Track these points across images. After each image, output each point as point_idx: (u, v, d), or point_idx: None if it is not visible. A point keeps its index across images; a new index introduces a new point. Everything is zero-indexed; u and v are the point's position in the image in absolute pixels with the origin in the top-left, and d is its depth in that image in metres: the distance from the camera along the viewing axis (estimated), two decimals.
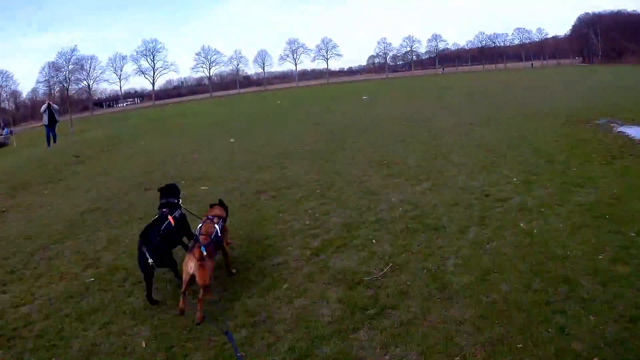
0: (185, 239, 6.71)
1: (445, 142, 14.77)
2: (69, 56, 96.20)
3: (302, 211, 8.82)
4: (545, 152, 11.97)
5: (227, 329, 4.64)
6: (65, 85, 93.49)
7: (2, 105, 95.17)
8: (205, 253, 5.26)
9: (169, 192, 6.77)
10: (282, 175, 12.20)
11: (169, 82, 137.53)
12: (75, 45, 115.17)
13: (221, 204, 6.74)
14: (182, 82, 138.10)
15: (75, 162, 19.33)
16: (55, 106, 26.26)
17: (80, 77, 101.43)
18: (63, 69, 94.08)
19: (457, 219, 7.55)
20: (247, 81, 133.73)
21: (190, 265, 5.22)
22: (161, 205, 6.56)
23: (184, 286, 5.32)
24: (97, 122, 60.57)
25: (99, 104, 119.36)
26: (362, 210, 8.51)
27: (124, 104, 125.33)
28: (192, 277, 5.21)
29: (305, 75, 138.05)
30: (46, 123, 25.49)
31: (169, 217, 6.18)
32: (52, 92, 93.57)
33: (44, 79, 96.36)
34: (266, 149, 16.80)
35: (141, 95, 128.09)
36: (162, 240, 5.82)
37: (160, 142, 23.65)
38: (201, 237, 5.60)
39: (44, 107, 25.46)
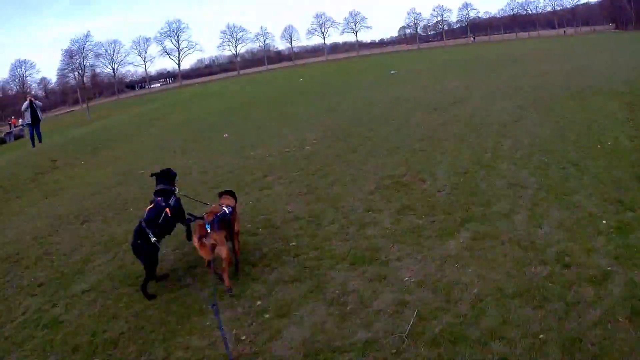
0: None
1: (487, 137, 11.01)
2: (83, 43, 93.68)
3: (235, 323, 5.13)
4: (628, 158, 8.44)
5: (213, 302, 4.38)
6: (80, 72, 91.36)
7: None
8: (209, 229, 5.32)
9: (164, 179, 6.52)
10: (256, 204, 8.67)
11: (200, 60, 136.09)
12: (88, 31, 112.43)
13: (230, 193, 6.56)
14: (213, 60, 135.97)
15: (48, 170, 16.81)
16: (38, 102, 23.19)
17: (95, 63, 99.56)
18: (77, 57, 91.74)
19: (522, 347, 3.88)
20: (279, 56, 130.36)
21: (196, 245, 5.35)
22: (156, 192, 6.35)
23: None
24: (118, 107, 58.79)
25: (131, 86, 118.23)
26: (345, 311, 4.82)
27: (157, 85, 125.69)
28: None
29: (336, 48, 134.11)
30: (29, 121, 22.44)
31: (167, 209, 6.07)
32: (76, 78, 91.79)
33: (64, 67, 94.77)
34: (257, 151, 13.27)
35: (173, 76, 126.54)
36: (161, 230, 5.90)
37: (155, 138, 20.74)
38: (206, 215, 5.63)
39: (25, 104, 22.28)
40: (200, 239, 5.28)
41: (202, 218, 5.66)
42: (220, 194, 6.52)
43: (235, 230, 6.03)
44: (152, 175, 6.63)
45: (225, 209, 5.85)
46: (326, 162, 10.77)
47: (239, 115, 23.84)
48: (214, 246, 5.30)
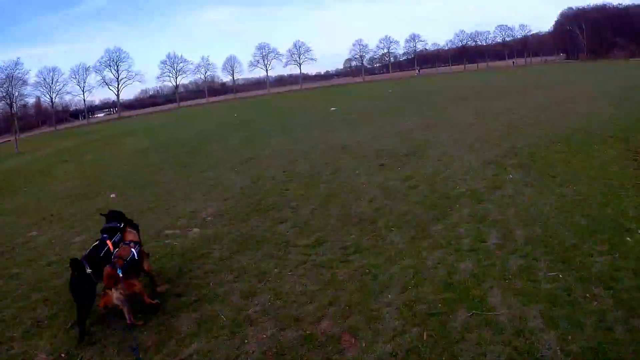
0: None
1: (458, 224, 7.47)
2: (12, 71, 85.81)
3: None
4: None
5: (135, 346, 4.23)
6: (7, 102, 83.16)
7: None
8: (121, 275, 5.24)
9: (113, 217, 6.66)
10: None
11: (145, 91, 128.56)
12: (18, 58, 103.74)
13: (131, 224, 6.45)
14: (157, 90, 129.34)
15: None
16: None
17: (30, 92, 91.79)
18: (5, 85, 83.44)
19: None
20: (223, 88, 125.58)
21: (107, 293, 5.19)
22: (103, 230, 6.48)
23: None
24: (52, 139, 52.68)
25: (75, 115, 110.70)
26: None
27: (101, 115, 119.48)
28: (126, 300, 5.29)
29: (282, 80, 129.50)
30: None
31: (108, 242, 6.13)
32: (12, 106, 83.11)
33: None
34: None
35: (116, 106, 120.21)
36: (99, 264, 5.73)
37: (45, 191, 16.05)
38: (115, 260, 5.51)
39: None
40: (105, 289, 5.21)
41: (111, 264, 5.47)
42: (123, 230, 6.36)
43: (145, 269, 6.03)
44: (101, 214, 6.87)
45: (134, 250, 5.79)
46: (204, 268, 6.87)
47: (147, 162, 19.48)
48: (127, 295, 5.28)
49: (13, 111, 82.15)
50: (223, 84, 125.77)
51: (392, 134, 17.70)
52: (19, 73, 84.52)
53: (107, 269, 5.30)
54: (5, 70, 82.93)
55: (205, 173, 14.67)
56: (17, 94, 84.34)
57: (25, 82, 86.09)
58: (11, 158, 32.58)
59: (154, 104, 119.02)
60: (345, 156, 14.27)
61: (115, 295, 5.13)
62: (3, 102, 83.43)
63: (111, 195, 13.20)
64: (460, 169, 10.93)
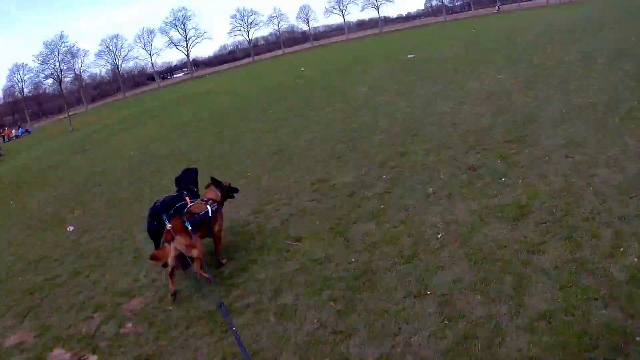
0: None
1: None
2: (57, 45, 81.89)
3: None
4: None
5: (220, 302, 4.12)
6: (54, 77, 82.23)
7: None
8: (190, 227, 4.96)
9: (188, 179, 6.46)
10: None
11: (224, 47, 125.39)
12: (62, 32, 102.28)
13: (216, 183, 6.08)
14: (237, 45, 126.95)
15: None
16: None
17: (82, 63, 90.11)
18: (52, 61, 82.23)
19: None
20: (303, 37, 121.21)
21: (174, 242, 4.89)
22: (180, 188, 6.19)
23: (169, 268, 5.03)
24: (109, 111, 51.18)
25: (152, 77, 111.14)
26: None
27: (180, 75, 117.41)
28: (178, 257, 4.92)
29: (362, 25, 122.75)
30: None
31: (187, 198, 5.82)
32: (60, 81, 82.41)
33: (37, 73, 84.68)
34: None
35: (196, 64, 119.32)
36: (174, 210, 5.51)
37: (21, 206, 13.19)
38: (186, 215, 5.26)
39: None
40: (164, 242, 4.95)
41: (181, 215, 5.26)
42: (207, 186, 6.12)
43: (215, 230, 5.61)
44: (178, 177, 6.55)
45: (209, 207, 5.47)
46: None
47: (152, 154, 15.29)
48: (182, 251, 4.90)
49: (62, 87, 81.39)
50: (304, 33, 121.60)
51: (481, 97, 12.03)
52: (64, 47, 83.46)
53: (176, 219, 5.02)
54: (50, 45, 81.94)
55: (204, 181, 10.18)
56: (68, 67, 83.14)
57: (73, 55, 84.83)
58: (58, 138, 30.46)
59: (233, 59, 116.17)
60: (414, 146, 9.08)
61: (171, 253, 4.83)
62: (51, 78, 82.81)
63: (69, 228, 9.16)
64: (609, 184, 5.58)
